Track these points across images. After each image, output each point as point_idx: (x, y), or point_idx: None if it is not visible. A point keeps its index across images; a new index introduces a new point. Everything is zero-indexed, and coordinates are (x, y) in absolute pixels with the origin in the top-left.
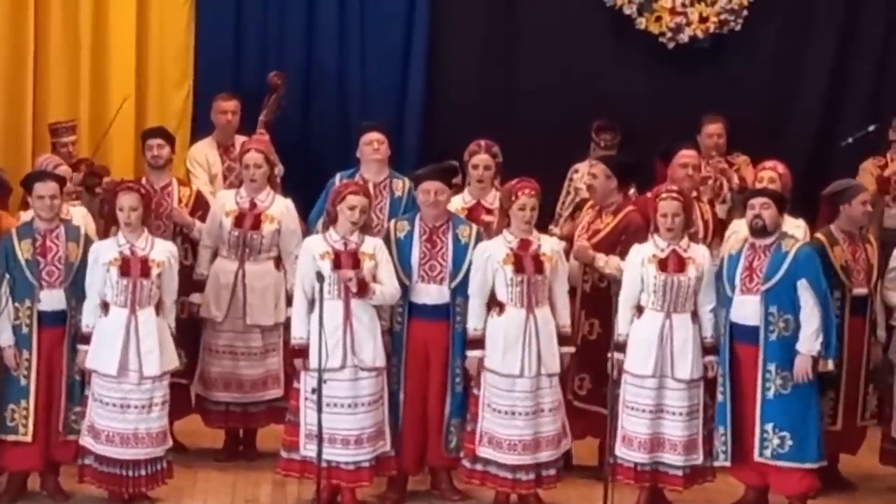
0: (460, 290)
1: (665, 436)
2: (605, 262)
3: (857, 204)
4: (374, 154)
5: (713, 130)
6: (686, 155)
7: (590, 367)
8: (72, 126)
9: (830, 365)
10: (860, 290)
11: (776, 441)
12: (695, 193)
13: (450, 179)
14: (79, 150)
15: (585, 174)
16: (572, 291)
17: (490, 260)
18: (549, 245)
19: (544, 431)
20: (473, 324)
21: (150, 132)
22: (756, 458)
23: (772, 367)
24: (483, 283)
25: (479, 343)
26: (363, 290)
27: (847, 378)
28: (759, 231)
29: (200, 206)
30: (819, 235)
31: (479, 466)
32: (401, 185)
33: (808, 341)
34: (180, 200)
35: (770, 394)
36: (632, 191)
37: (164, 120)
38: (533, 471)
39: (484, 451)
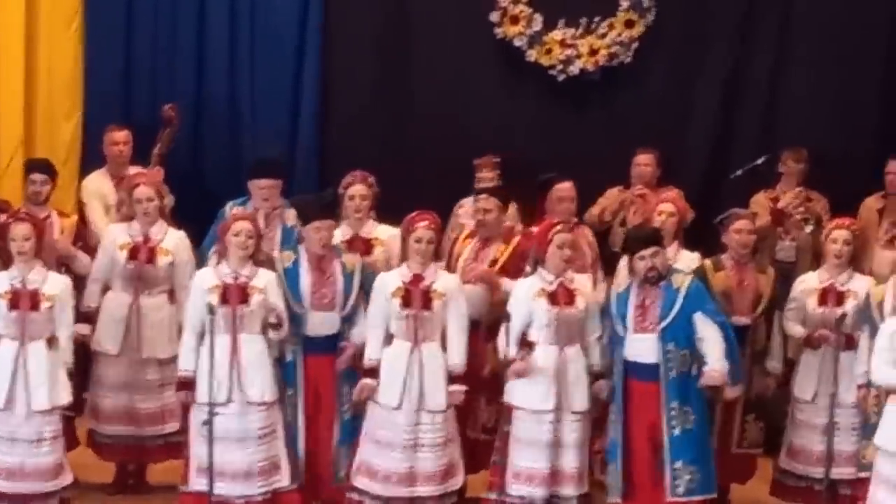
0: (348, 319)
1: (562, 468)
2: (513, 285)
3: (732, 233)
4: (264, 203)
5: (640, 160)
6: (563, 188)
7: None
8: None
9: (737, 391)
10: (740, 320)
11: (687, 477)
12: (574, 220)
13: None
14: None
15: (472, 209)
16: (476, 322)
17: (384, 290)
18: (443, 282)
19: (422, 467)
20: (369, 353)
21: (35, 166)
22: (669, 497)
23: (674, 404)
24: (379, 314)
25: (373, 373)
26: (281, 324)
27: (722, 405)
28: (655, 280)
29: (79, 237)
30: (706, 261)
31: (355, 496)
32: (292, 214)
33: (719, 363)
34: (62, 232)
35: (676, 431)
36: None
37: (54, 152)
38: None
39: (359, 482)
